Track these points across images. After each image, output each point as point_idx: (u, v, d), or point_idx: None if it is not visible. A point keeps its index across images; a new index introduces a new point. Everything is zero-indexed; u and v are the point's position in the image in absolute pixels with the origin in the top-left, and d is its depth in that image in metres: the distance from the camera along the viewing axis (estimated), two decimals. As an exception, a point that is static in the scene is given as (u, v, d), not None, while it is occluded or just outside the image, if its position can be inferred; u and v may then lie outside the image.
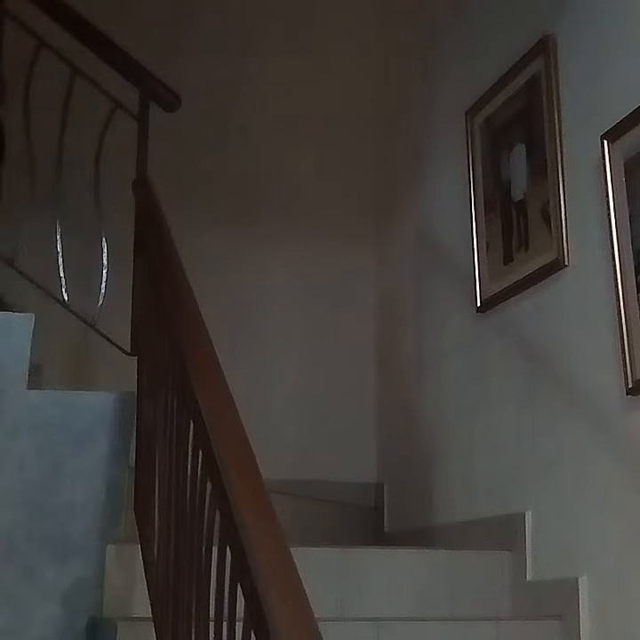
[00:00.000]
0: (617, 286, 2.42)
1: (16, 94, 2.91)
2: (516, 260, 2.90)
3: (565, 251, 2.68)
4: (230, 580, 1.46)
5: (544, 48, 2.81)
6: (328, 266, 3.62)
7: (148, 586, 2.21)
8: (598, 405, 2.51)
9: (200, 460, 1.73)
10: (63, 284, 2.87)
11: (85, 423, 2.62)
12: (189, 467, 1.83)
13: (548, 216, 2.75)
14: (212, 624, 1.57)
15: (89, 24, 2.99)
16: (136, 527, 2.46)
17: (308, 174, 3.85)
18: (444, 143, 3.50)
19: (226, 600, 1.49)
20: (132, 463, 2.61)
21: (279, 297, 3.72)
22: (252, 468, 1.52)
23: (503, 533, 2.79)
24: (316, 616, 1.21)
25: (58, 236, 2.90)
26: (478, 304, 3.08)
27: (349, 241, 3.86)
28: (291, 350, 3.79)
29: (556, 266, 2.70)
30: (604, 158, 2.49)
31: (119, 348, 2.86)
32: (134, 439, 2.62)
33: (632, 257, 2.39)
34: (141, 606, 2.21)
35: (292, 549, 1.33)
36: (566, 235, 2.68)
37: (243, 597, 1.35)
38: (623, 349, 2.38)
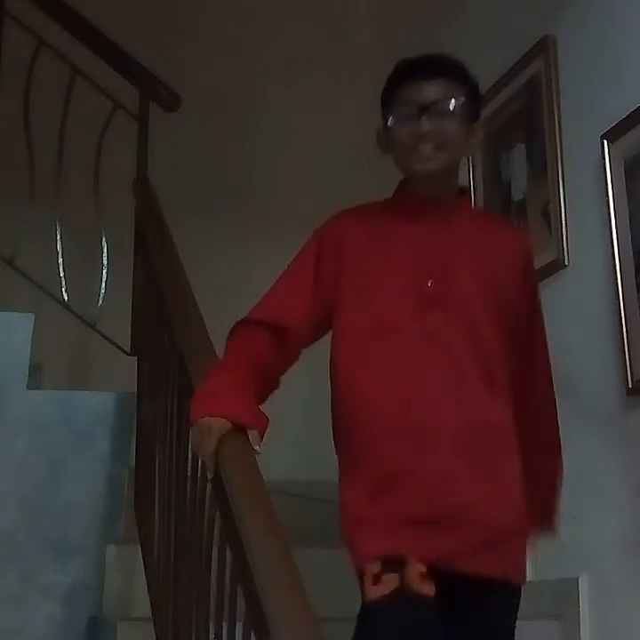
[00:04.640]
0: (617, 286, 2.41)
1: (16, 94, 2.91)
2: (516, 259, 2.90)
3: (565, 251, 2.67)
4: (230, 580, 1.46)
5: (544, 48, 2.81)
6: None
7: (148, 586, 2.21)
8: (598, 405, 2.51)
9: (200, 460, 1.73)
10: (63, 284, 2.87)
11: (85, 423, 2.62)
12: (189, 466, 1.83)
13: (548, 216, 2.74)
14: (211, 624, 1.57)
15: (89, 24, 2.99)
16: (136, 527, 2.46)
17: (308, 174, 3.85)
18: (443, 143, 3.49)
19: (226, 600, 1.49)
20: (132, 463, 2.61)
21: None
22: (251, 468, 1.52)
23: (503, 533, 2.78)
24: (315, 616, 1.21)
25: (58, 236, 2.90)
26: (478, 304, 3.08)
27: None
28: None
29: (556, 266, 2.69)
30: (603, 158, 2.49)
31: (119, 348, 2.86)
32: (134, 439, 2.62)
33: (632, 257, 2.39)
34: (141, 606, 2.21)
35: (292, 549, 1.33)
36: (566, 235, 2.68)
37: (243, 597, 1.35)
38: (623, 349, 2.38)
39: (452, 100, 1.81)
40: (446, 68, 1.86)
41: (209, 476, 1.61)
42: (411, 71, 1.85)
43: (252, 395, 1.72)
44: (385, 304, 1.80)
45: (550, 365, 1.93)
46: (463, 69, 1.88)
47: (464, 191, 1.98)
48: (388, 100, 1.87)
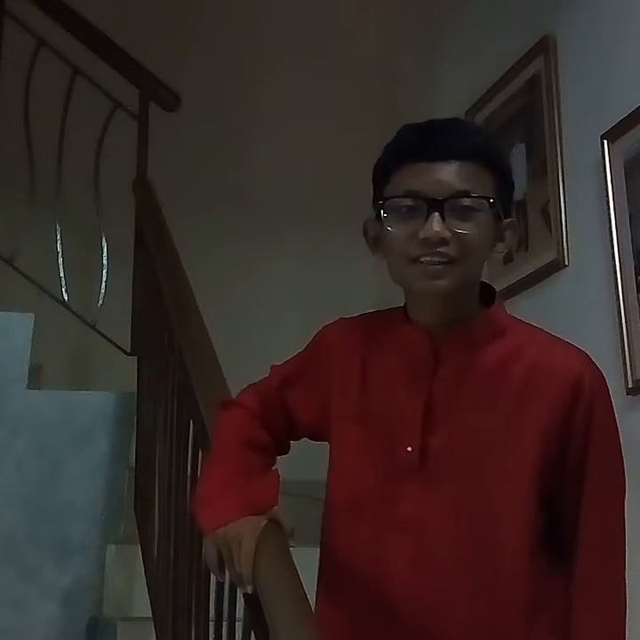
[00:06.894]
0: (617, 286, 2.41)
1: (16, 94, 2.91)
2: (516, 260, 2.90)
3: (565, 251, 2.67)
4: (230, 580, 1.46)
5: (544, 48, 2.81)
6: (328, 265, 3.61)
7: (148, 586, 2.21)
8: (598, 405, 2.51)
9: (200, 460, 1.73)
10: (63, 284, 2.87)
11: (85, 423, 2.62)
12: (189, 467, 1.83)
13: (548, 216, 2.74)
14: (212, 624, 1.57)
15: (89, 24, 2.99)
16: (136, 527, 2.46)
17: (308, 174, 3.85)
18: (444, 143, 3.49)
19: (226, 600, 1.49)
20: (132, 463, 2.61)
21: (279, 294, 3.72)
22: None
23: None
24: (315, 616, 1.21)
25: (58, 236, 2.90)
26: (478, 304, 3.08)
27: (350, 241, 3.86)
28: (291, 349, 3.77)
29: (556, 266, 2.69)
30: (603, 158, 2.49)
31: (119, 348, 2.86)
32: (134, 439, 2.62)
33: (632, 257, 2.39)
34: (141, 606, 2.21)
35: (291, 549, 1.33)
36: (566, 235, 2.68)
37: (243, 597, 1.35)
38: (623, 349, 2.38)
39: (477, 193, 1.27)
40: (468, 144, 1.28)
41: (247, 590, 1.26)
42: (417, 147, 1.29)
43: (254, 469, 1.40)
44: (354, 472, 1.40)
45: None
46: (491, 145, 1.33)
47: (490, 300, 1.40)
48: (382, 182, 1.34)
